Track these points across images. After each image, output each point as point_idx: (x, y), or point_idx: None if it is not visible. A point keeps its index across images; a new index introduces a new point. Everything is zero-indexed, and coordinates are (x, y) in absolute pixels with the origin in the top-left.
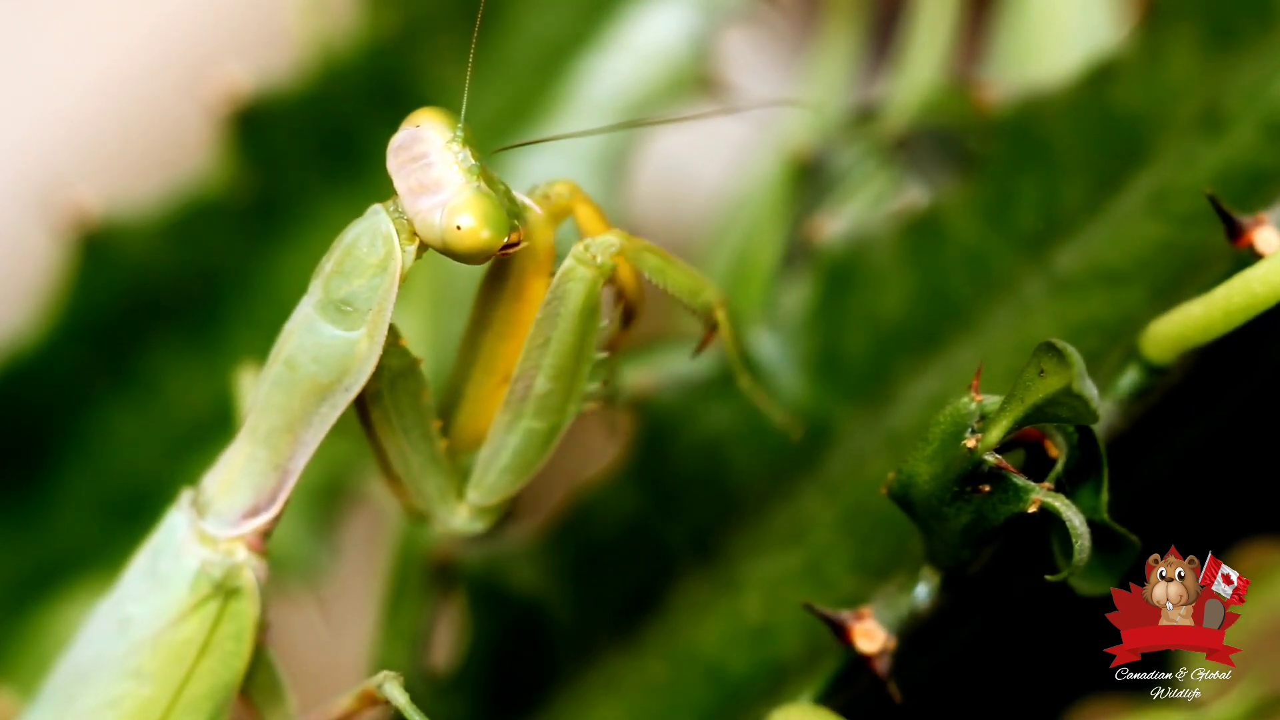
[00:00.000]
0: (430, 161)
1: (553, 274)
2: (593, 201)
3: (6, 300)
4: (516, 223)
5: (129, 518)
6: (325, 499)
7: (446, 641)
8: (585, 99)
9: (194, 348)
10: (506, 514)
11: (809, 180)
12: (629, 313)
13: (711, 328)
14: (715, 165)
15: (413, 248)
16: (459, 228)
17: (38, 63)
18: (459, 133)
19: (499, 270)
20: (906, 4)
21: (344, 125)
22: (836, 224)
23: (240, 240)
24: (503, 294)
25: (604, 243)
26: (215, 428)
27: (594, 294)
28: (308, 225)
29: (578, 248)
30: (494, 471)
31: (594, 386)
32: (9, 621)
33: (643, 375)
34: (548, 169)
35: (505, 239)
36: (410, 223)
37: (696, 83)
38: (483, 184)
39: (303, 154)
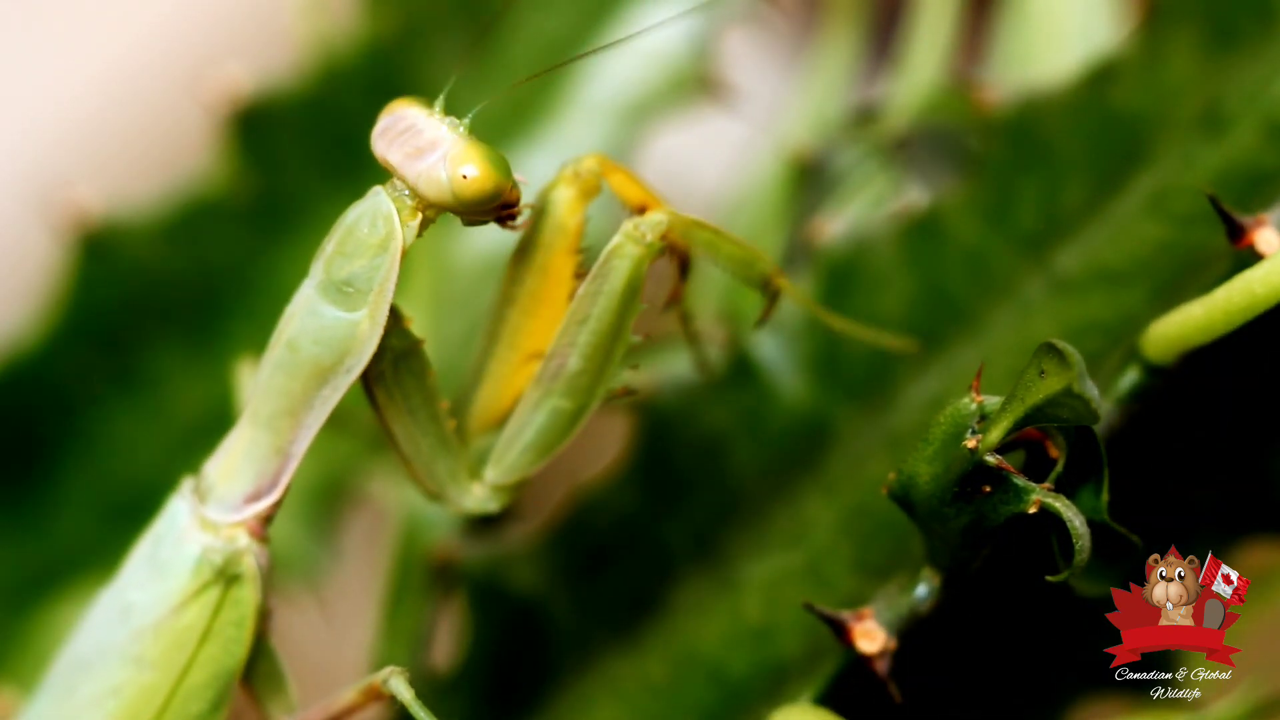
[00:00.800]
0: (419, 128)
1: (581, 251)
2: (626, 169)
3: (6, 300)
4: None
5: (129, 518)
6: (325, 499)
7: (446, 641)
8: (586, 99)
9: (194, 348)
10: (508, 509)
11: (809, 181)
12: (684, 265)
13: (773, 297)
14: (715, 165)
15: (414, 225)
16: (465, 176)
17: (38, 63)
18: (437, 108)
19: (527, 246)
20: (906, 4)
21: (344, 125)
22: (837, 225)
23: (240, 240)
24: (530, 270)
25: (653, 221)
26: (216, 428)
27: (639, 272)
28: (308, 225)
29: (628, 226)
30: (516, 449)
31: (624, 374)
32: (9, 621)
33: (643, 375)
34: (547, 166)
35: (511, 181)
36: (412, 197)
37: (697, 82)
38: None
39: (303, 154)
